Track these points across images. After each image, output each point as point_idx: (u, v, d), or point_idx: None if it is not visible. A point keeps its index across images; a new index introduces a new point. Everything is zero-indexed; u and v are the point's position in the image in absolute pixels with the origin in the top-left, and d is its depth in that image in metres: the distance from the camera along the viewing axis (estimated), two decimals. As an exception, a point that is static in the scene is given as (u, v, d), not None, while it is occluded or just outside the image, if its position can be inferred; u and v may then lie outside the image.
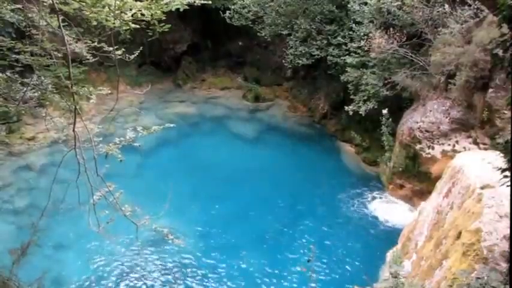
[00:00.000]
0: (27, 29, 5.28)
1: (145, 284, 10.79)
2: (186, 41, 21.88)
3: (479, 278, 4.67)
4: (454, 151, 11.77)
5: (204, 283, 10.87)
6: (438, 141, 12.38)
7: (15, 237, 10.22)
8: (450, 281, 6.46)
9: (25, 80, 5.51)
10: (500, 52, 4.73)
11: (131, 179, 13.75)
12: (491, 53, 10.15)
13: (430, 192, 10.51)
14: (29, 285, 6.57)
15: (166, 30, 4.82)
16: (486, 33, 11.03)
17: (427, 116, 12.66)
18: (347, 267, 11.33)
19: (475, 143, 11.78)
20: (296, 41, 17.35)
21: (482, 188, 7.39)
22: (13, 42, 5.17)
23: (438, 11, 13.23)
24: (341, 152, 16.93)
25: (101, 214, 5.10)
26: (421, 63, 13.31)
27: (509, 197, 5.20)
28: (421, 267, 8.33)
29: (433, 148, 12.44)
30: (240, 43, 22.33)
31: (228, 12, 18.58)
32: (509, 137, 5.21)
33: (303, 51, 17.05)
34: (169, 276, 11.00)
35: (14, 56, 5.18)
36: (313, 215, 13.43)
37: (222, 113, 19.69)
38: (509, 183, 4.47)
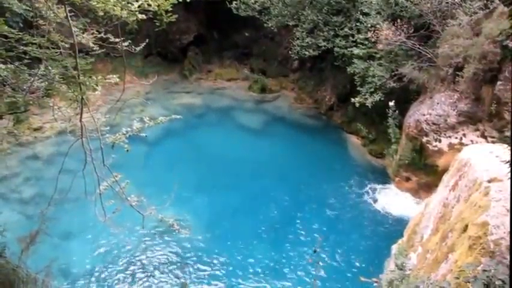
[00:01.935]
0: (35, 19, 5.26)
1: (151, 273, 10.89)
2: (192, 32, 21.77)
3: (486, 270, 4.65)
4: (461, 144, 11.69)
5: (210, 272, 10.95)
6: (445, 134, 12.30)
7: (23, 225, 10.30)
8: (456, 274, 6.44)
9: (32, 70, 5.51)
10: (510, 44, 4.68)
11: (137, 169, 13.82)
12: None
13: (436, 185, 10.45)
14: (37, 273, 6.65)
15: (172, 20, 4.79)
16: (496, 24, 10.88)
17: (434, 108, 12.56)
18: (352, 258, 11.36)
19: (483, 136, 11.69)
20: (303, 32, 17.23)
21: (489, 181, 7.33)
22: (20, 33, 5.16)
23: (447, 2, 13.09)
24: (347, 143, 16.90)
25: (107, 204, 5.13)
26: (429, 55, 13.20)
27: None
28: (426, 260, 8.31)
29: (440, 141, 12.36)
30: (247, 34, 22.18)
31: (234, 2, 18.45)
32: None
33: (310, 43, 16.95)
34: (175, 265, 11.10)
35: (22, 47, 5.18)
36: (318, 206, 13.45)
37: (228, 104, 19.66)
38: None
